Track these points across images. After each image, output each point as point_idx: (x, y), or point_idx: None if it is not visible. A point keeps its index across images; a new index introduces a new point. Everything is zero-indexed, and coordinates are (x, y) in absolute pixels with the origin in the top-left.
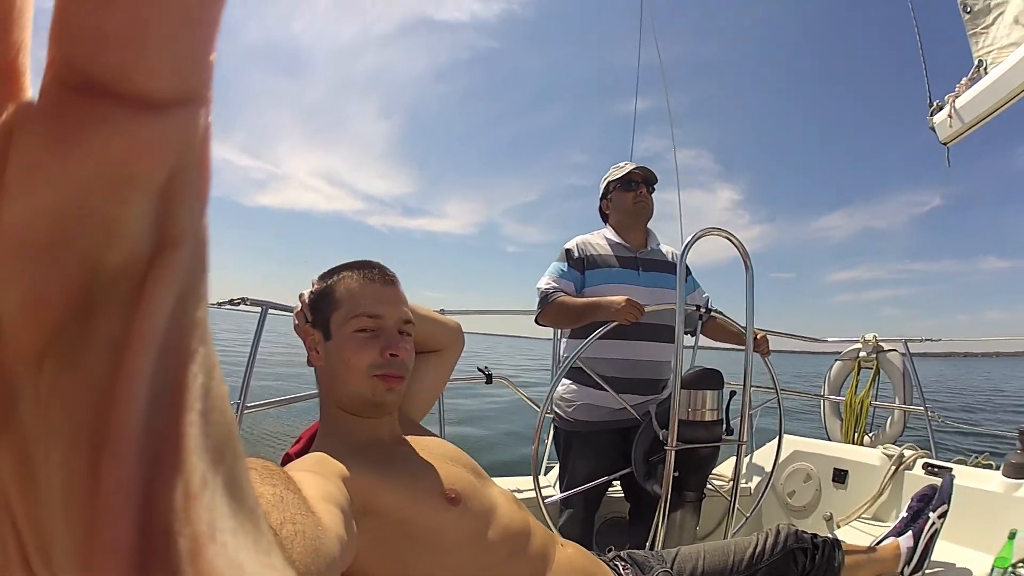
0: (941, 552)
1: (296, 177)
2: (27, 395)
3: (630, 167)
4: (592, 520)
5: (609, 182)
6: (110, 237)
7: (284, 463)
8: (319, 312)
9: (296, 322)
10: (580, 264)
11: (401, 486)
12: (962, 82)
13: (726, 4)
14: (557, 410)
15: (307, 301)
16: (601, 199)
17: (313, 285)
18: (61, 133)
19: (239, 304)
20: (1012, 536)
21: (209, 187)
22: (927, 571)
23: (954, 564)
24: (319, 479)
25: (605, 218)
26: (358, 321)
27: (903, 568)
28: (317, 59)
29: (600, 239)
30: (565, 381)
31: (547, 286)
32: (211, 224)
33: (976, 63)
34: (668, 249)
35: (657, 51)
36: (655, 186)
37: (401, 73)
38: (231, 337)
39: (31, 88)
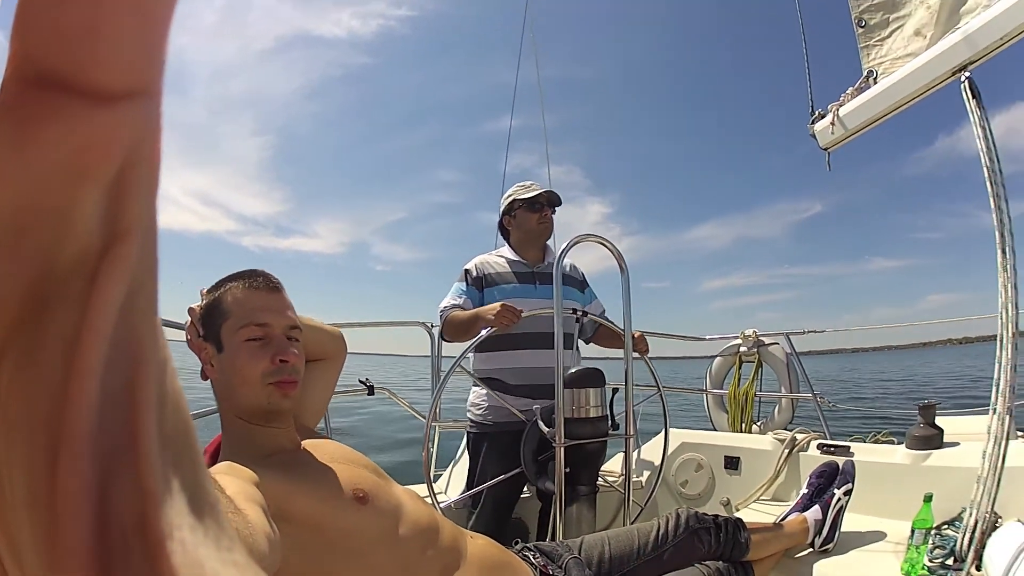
0: (852, 523)
1: (171, 197)
2: None
3: (538, 189)
4: (500, 520)
5: (514, 200)
6: (64, 231)
7: None
8: (210, 325)
9: (188, 337)
10: (479, 283)
11: (310, 489)
12: (848, 91)
13: (603, 21)
14: (470, 416)
15: (198, 314)
16: (504, 215)
17: (202, 298)
18: (18, 127)
19: None
20: (928, 499)
21: (159, 180)
22: (841, 541)
23: (868, 532)
24: (237, 481)
25: (505, 233)
26: (247, 330)
27: (814, 539)
28: (198, 75)
29: (498, 258)
30: (476, 388)
31: (444, 305)
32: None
33: (866, 73)
34: (568, 261)
35: (537, 69)
36: (557, 208)
37: (276, 90)
38: None
39: None
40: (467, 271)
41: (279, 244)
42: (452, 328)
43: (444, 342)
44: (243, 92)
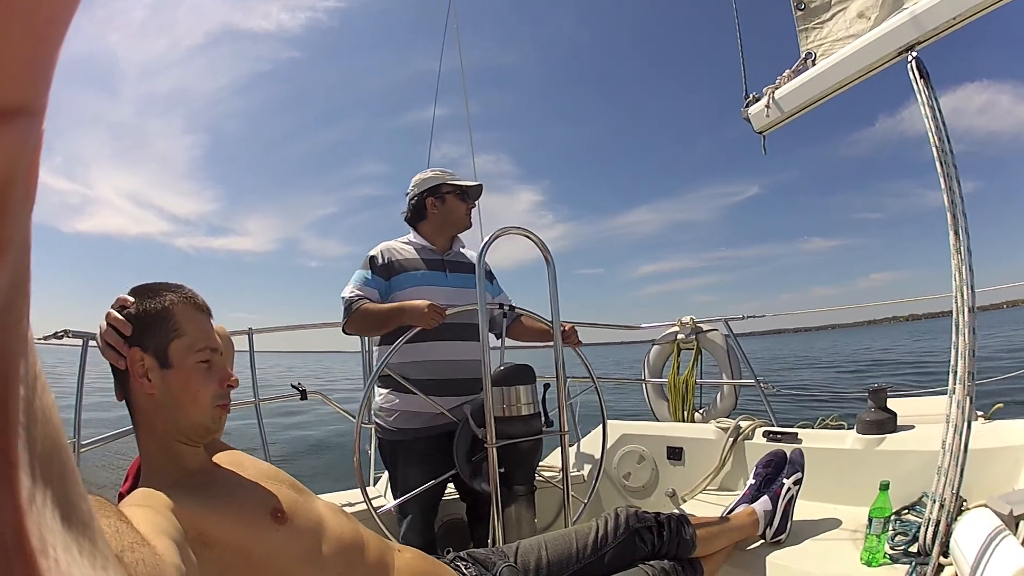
0: (805, 512)
1: (107, 199)
2: None
3: (471, 181)
4: (432, 525)
5: (445, 184)
6: None
7: (119, 502)
8: (152, 336)
9: (104, 342)
10: (385, 271)
11: (229, 511)
12: (784, 74)
13: (524, 3)
14: (378, 420)
15: (122, 318)
16: (428, 195)
17: (127, 304)
18: None
19: (62, 337)
20: (885, 487)
21: (35, 197)
22: (795, 531)
23: (822, 521)
24: (149, 512)
25: (420, 216)
26: (203, 354)
27: (765, 530)
28: (128, 74)
29: (404, 244)
30: (382, 391)
31: (351, 294)
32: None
33: (804, 55)
34: (472, 253)
35: (460, 57)
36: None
37: (205, 87)
38: (64, 371)
39: None
40: (372, 258)
41: (212, 244)
42: (363, 320)
43: (345, 334)
44: (172, 90)
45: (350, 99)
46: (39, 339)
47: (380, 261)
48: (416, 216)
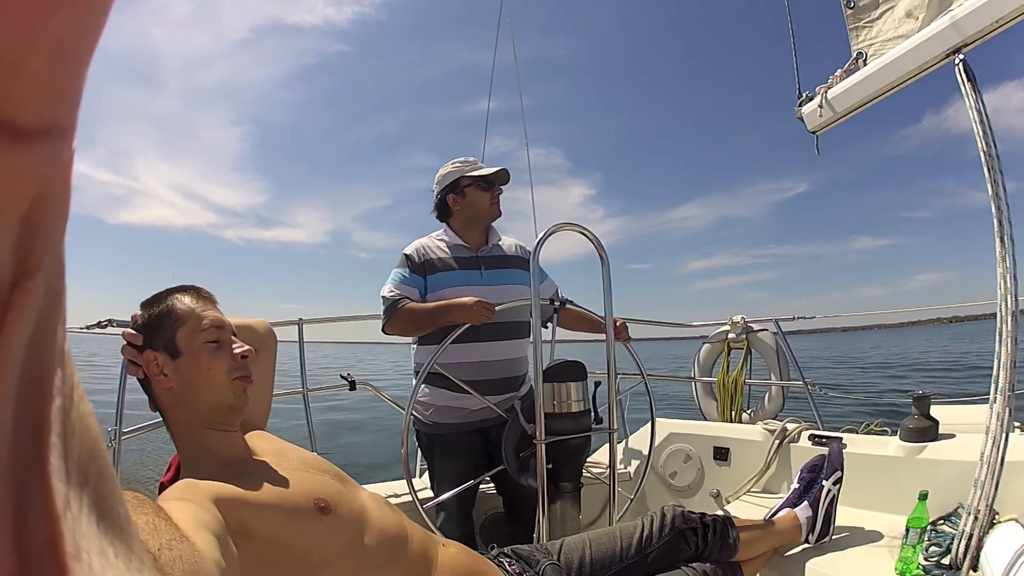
0: (847, 518)
1: (153, 191)
2: None
3: (486, 166)
4: (470, 518)
5: (462, 177)
6: None
7: (160, 492)
8: (160, 333)
9: (126, 359)
10: (421, 269)
11: (272, 501)
12: (836, 73)
13: (580, 1)
14: (416, 415)
15: (133, 332)
16: (448, 192)
17: (138, 319)
18: None
19: (105, 326)
20: (924, 497)
21: (68, 214)
22: (835, 537)
23: (862, 528)
24: (190, 506)
25: (446, 213)
26: (207, 334)
27: (807, 536)
28: (172, 68)
29: (438, 242)
30: (420, 386)
31: (391, 293)
32: (75, 244)
33: (855, 55)
34: (510, 242)
35: (513, 50)
36: (504, 186)
37: (252, 80)
38: (106, 360)
39: None
40: (408, 256)
41: (262, 235)
42: (406, 320)
43: (384, 334)
44: (219, 83)
45: (399, 91)
46: (83, 328)
47: (416, 259)
48: (443, 214)
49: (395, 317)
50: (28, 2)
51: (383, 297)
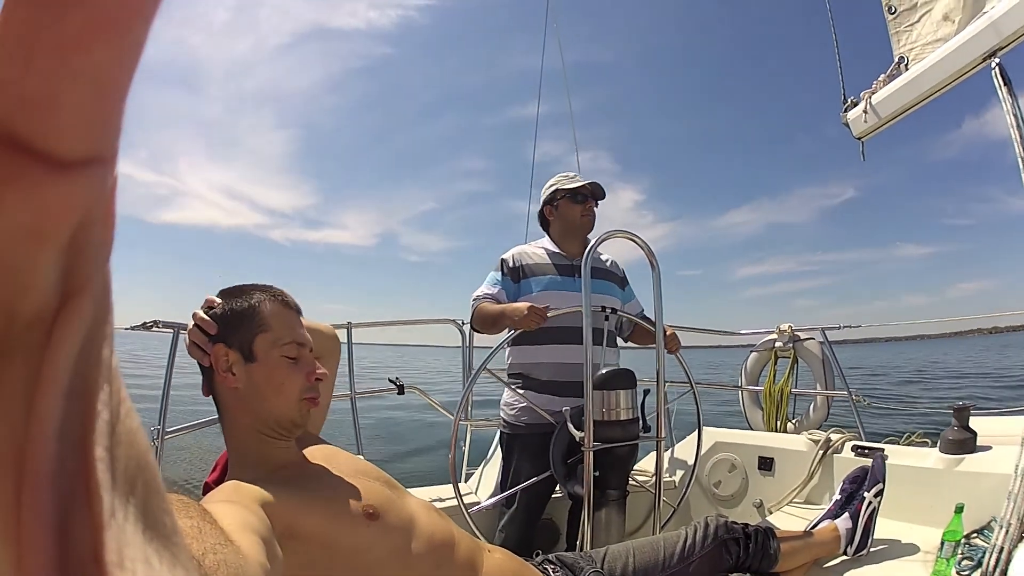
0: (884, 530)
1: (198, 192)
2: None
3: (582, 180)
4: (534, 522)
5: (557, 190)
6: (22, 289)
7: (205, 492)
8: (237, 332)
9: (190, 341)
10: (515, 273)
11: (320, 506)
12: (880, 78)
13: (626, 3)
14: (503, 415)
15: (208, 318)
16: (546, 204)
17: (214, 305)
18: None
19: (151, 327)
20: (960, 510)
21: (113, 237)
22: (872, 549)
23: (899, 540)
24: (236, 508)
25: (546, 223)
26: (289, 348)
27: (846, 548)
28: (213, 73)
29: (537, 249)
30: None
31: (478, 294)
32: (118, 243)
33: (897, 60)
34: (607, 256)
35: (560, 53)
36: (600, 200)
37: (296, 84)
38: (149, 359)
39: None
40: (503, 261)
41: (308, 237)
42: (480, 319)
43: (475, 332)
44: (262, 87)
45: (447, 94)
46: (128, 328)
47: (511, 264)
48: (544, 225)
49: (473, 315)
50: (66, 39)
51: (473, 296)
